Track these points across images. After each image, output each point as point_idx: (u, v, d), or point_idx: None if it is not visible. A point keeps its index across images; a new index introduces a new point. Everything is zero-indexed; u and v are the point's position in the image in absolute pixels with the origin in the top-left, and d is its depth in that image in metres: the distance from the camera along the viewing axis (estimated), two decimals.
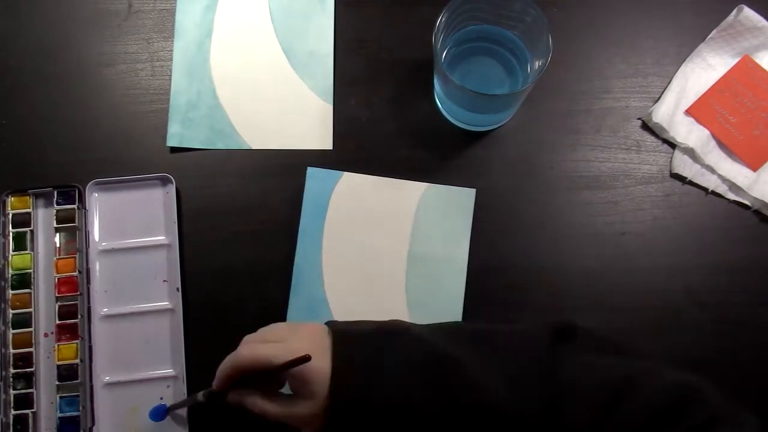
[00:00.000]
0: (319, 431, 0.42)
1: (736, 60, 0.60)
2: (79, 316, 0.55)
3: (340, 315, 0.56)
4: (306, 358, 0.39)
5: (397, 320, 0.45)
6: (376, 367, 0.41)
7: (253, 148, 0.59)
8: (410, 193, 0.58)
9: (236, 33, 0.62)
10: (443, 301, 0.56)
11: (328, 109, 0.60)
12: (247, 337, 0.45)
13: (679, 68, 0.60)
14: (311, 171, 0.58)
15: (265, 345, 0.43)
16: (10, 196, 0.57)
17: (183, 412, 0.54)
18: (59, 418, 0.53)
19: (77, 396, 0.54)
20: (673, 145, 0.59)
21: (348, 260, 0.57)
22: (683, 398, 0.39)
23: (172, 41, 0.61)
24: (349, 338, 0.43)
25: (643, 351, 0.43)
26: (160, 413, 0.53)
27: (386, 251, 0.57)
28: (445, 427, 0.40)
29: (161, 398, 0.54)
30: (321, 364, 0.41)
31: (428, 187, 0.58)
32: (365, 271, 0.57)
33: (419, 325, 0.45)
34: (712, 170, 0.58)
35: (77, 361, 0.54)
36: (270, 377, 0.43)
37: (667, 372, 0.41)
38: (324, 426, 0.41)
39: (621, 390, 0.40)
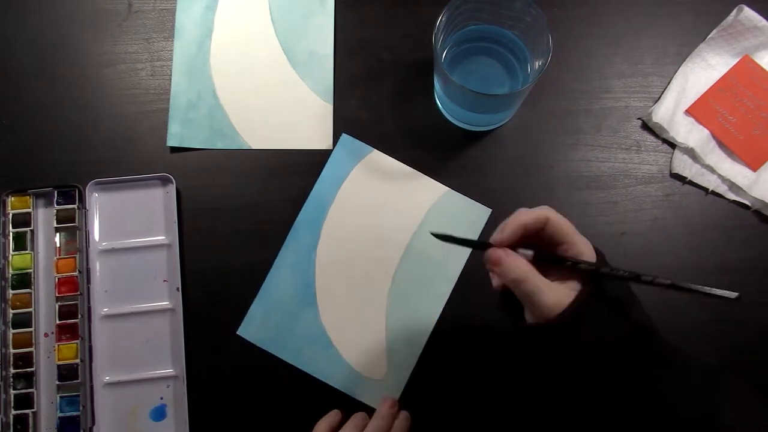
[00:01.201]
0: (544, 321, 0.40)
1: (736, 60, 0.60)
2: (79, 316, 0.55)
3: (322, 289, 0.57)
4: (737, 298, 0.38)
5: None
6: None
7: (253, 148, 0.59)
8: (428, 191, 0.58)
9: (236, 33, 0.62)
10: (424, 301, 0.56)
11: (328, 109, 0.60)
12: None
13: (679, 68, 0.60)
14: (345, 138, 0.59)
15: (572, 225, 0.42)
16: (10, 196, 0.57)
17: (184, 412, 0.53)
18: (59, 417, 0.53)
19: (77, 396, 0.54)
20: (673, 145, 0.59)
21: (347, 233, 0.57)
22: None
23: (172, 41, 0.61)
24: (605, 262, 0.43)
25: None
26: (160, 412, 0.54)
27: (386, 237, 0.57)
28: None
29: (161, 398, 0.54)
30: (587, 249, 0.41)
31: (447, 191, 0.58)
32: (361, 251, 0.57)
33: None
34: (712, 170, 0.58)
35: (77, 360, 0.54)
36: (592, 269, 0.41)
37: None
38: (560, 317, 0.39)
39: None
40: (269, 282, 0.56)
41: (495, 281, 0.43)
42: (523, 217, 0.41)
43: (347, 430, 0.50)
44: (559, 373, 0.42)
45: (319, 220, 0.58)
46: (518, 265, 0.40)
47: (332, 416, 0.51)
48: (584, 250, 0.41)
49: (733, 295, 0.37)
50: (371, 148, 0.59)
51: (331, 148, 0.59)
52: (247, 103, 0.60)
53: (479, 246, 0.43)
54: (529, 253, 0.41)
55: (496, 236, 0.41)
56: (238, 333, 0.56)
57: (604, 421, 0.40)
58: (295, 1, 0.62)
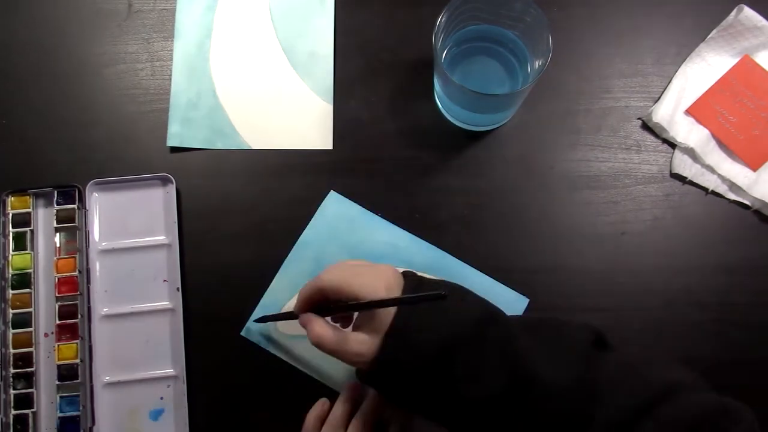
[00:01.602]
0: (366, 369, 0.43)
1: (736, 60, 0.60)
2: (79, 316, 0.55)
3: None
4: (441, 296, 0.38)
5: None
6: (438, 311, 0.41)
7: (253, 148, 0.59)
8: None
9: (236, 33, 0.62)
10: None
11: (328, 109, 0.60)
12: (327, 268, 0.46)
13: (679, 68, 0.60)
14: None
15: (356, 277, 0.43)
16: (10, 196, 0.57)
17: (184, 412, 0.54)
18: (59, 417, 0.53)
19: (77, 396, 0.54)
20: (673, 145, 0.59)
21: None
22: (717, 418, 0.39)
23: (172, 41, 0.61)
24: (417, 280, 0.44)
25: (681, 372, 0.43)
26: (160, 412, 0.53)
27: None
28: (488, 390, 0.40)
29: (161, 398, 0.54)
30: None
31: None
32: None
33: None
34: (712, 170, 0.58)
35: (77, 360, 0.54)
36: (343, 311, 0.44)
37: (705, 392, 0.41)
38: (371, 364, 0.42)
39: (655, 397, 0.39)
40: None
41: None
42: (303, 292, 0.46)
43: (334, 418, 0.50)
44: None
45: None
46: (313, 329, 0.44)
47: (320, 406, 0.51)
48: (362, 292, 0.42)
49: (442, 294, 0.38)
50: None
51: (330, 148, 0.59)
52: (247, 103, 0.60)
53: (292, 317, 0.48)
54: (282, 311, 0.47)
55: (295, 306, 0.47)
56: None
57: None
58: (296, 1, 0.62)
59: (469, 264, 0.56)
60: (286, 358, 0.55)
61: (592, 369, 0.41)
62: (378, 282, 0.43)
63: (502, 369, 0.40)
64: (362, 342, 0.42)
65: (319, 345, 0.44)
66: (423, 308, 0.42)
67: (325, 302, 0.45)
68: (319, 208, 0.57)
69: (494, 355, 0.41)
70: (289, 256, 0.57)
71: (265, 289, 0.56)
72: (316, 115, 0.60)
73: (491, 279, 0.56)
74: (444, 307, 0.41)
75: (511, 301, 0.55)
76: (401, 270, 0.46)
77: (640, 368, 0.42)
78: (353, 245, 0.57)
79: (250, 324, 0.55)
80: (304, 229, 0.57)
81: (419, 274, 0.46)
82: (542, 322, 0.44)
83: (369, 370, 0.43)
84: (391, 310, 0.42)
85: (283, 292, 0.56)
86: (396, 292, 0.43)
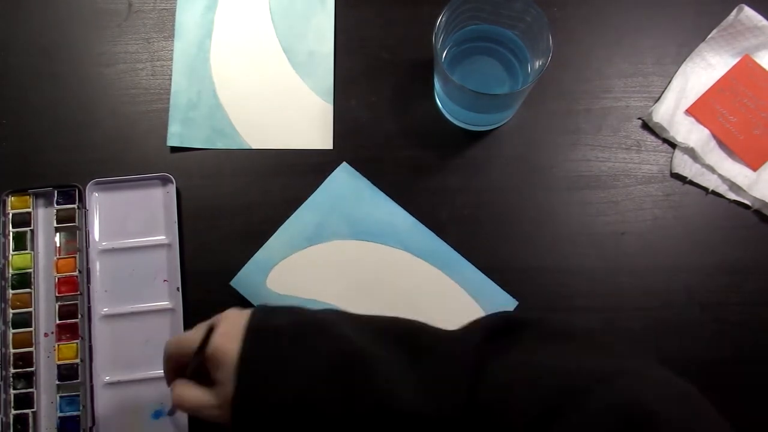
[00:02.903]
0: (227, 424, 0.39)
1: (737, 59, 0.59)
2: (79, 316, 0.55)
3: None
4: (202, 344, 0.37)
5: (332, 312, 0.43)
6: (283, 359, 0.38)
7: (254, 147, 0.59)
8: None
9: (236, 33, 0.62)
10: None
11: (329, 108, 0.60)
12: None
13: (679, 68, 0.60)
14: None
15: (190, 331, 0.42)
16: (10, 196, 0.57)
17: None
18: (59, 417, 0.53)
19: (77, 396, 0.54)
20: (673, 145, 0.59)
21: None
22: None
23: (172, 41, 0.61)
24: (264, 325, 0.40)
25: (623, 348, 0.38)
26: (161, 412, 0.54)
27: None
28: (349, 429, 0.38)
29: (161, 403, 0.54)
30: (232, 345, 0.38)
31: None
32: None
33: (355, 316, 0.42)
34: (712, 170, 0.58)
35: (77, 360, 0.54)
36: (193, 368, 0.41)
37: (630, 383, 0.33)
38: (229, 419, 0.39)
39: (554, 407, 0.33)
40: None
41: None
42: (163, 364, 0.43)
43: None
44: None
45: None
46: (173, 392, 0.41)
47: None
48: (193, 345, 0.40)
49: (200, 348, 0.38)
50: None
51: (331, 147, 0.59)
52: (247, 103, 0.60)
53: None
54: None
55: (167, 382, 0.44)
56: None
57: None
58: (296, 1, 0.62)
59: (468, 264, 0.56)
60: None
61: (460, 390, 0.36)
62: (220, 328, 0.40)
63: (358, 407, 0.37)
64: (217, 395, 0.39)
65: (180, 408, 0.41)
66: (270, 356, 0.38)
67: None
68: (329, 177, 0.58)
69: (350, 396, 0.37)
70: (290, 218, 0.57)
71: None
72: (315, 114, 0.60)
73: (484, 276, 0.56)
74: (293, 355, 0.38)
75: (500, 304, 0.55)
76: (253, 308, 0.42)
77: (542, 366, 0.36)
78: (355, 219, 0.57)
79: (240, 275, 0.55)
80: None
81: (270, 305, 0.43)
82: (418, 339, 0.40)
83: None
84: (230, 352, 0.38)
85: (278, 251, 0.56)
86: (239, 333, 0.39)
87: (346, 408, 0.37)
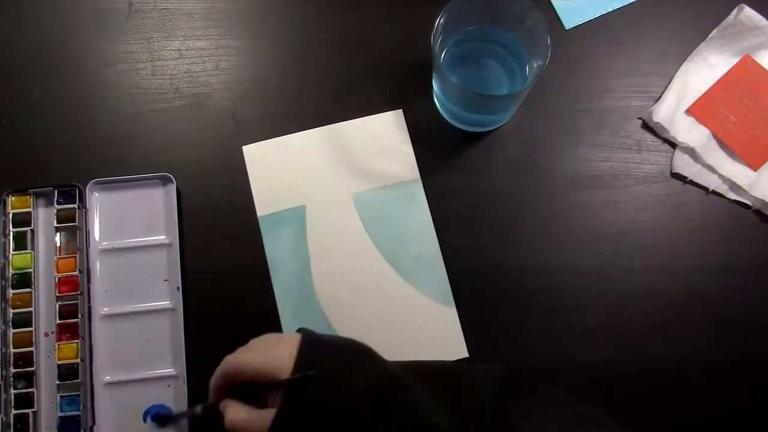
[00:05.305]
0: None
1: (737, 59, 0.59)
2: (80, 316, 0.55)
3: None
4: (307, 376, 0.37)
5: (363, 344, 0.44)
6: (333, 377, 0.39)
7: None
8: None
9: (335, 258, 0.57)
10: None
11: (452, 312, 0.56)
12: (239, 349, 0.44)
13: (679, 68, 0.60)
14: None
15: (250, 353, 0.42)
16: (10, 196, 0.57)
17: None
18: (60, 417, 0.53)
19: (78, 395, 0.54)
20: (673, 145, 0.59)
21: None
22: None
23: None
24: (316, 349, 0.41)
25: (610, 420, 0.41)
26: (157, 417, 0.53)
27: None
28: None
29: (163, 404, 0.54)
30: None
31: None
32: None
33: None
34: (712, 170, 0.58)
35: (78, 360, 0.54)
36: (260, 390, 0.41)
37: None
38: None
39: None
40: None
41: None
42: (214, 380, 0.43)
43: None
44: None
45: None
46: (227, 416, 0.41)
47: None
48: (268, 368, 0.40)
49: (309, 375, 0.38)
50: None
51: None
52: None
53: (205, 409, 0.45)
54: (197, 409, 0.44)
55: (210, 397, 0.43)
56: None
57: None
58: (384, 205, 0.58)
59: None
60: None
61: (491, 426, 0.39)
62: (266, 358, 0.40)
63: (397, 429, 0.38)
64: (269, 416, 0.39)
65: (230, 428, 0.41)
66: (313, 382, 0.39)
67: (237, 384, 0.42)
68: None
69: (392, 417, 0.38)
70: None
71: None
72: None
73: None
74: (338, 381, 0.39)
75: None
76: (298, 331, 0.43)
77: None
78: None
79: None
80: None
81: (318, 333, 0.43)
82: (445, 376, 0.43)
83: None
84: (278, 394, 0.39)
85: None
86: (285, 365, 0.40)
87: (387, 427, 0.38)
